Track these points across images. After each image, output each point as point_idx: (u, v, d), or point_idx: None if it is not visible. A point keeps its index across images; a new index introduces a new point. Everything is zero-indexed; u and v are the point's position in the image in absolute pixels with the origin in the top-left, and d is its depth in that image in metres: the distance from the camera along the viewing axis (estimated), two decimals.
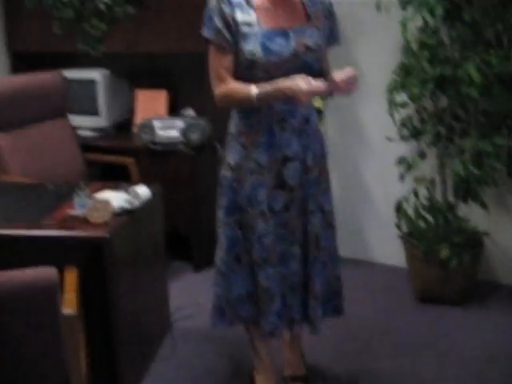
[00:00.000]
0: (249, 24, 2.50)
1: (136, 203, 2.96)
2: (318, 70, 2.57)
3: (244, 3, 2.52)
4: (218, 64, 2.54)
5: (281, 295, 2.70)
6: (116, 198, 2.91)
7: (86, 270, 2.73)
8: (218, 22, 2.49)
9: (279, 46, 2.49)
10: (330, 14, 2.66)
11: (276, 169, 2.60)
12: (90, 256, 2.78)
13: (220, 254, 2.75)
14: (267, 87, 2.44)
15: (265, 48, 2.48)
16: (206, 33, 2.54)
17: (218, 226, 2.76)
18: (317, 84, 2.38)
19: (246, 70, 2.52)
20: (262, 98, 2.46)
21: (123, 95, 4.71)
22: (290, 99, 2.43)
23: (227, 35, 2.50)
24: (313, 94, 2.42)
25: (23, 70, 4.63)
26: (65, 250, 2.78)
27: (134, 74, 4.77)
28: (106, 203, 2.83)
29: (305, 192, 2.65)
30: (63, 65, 4.60)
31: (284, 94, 2.42)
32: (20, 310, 2.11)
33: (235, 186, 2.66)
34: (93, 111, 4.59)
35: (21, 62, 4.95)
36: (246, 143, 2.62)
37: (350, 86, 2.51)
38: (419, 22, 3.56)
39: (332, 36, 2.68)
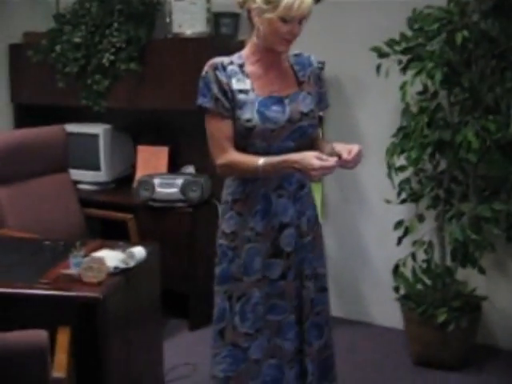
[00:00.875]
0: (245, 92, 2.50)
1: (131, 263, 2.94)
2: (312, 136, 2.59)
3: (238, 71, 2.52)
4: (219, 133, 2.51)
5: (276, 366, 2.65)
6: (111, 258, 2.90)
7: (79, 329, 2.70)
8: (216, 91, 2.48)
9: (275, 113, 2.50)
10: (319, 79, 2.67)
11: (272, 236, 2.58)
12: (83, 316, 2.76)
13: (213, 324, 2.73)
14: (274, 159, 2.43)
15: (262, 116, 2.48)
16: (203, 102, 2.51)
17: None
18: (329, 162, 2.36)
19: (243, 138, 2.51)
20: (268, 170, 2.44)
21: (125, 150, 4.74)
22: (300, 173, 2.43)
23: (226, 103, 2.48)
24: (325, 171, 2.39)
25: (26, 123, 4.69)
26: (58, 310, 2.76)
27: (136, 129, 4.82)
28: (101, 263, 2.82)
29: (301, 257, 2.64)
30: (66, 118, 4.65)
31: (293, 168, 2.41)
32: (9, 374, 2.09)
33: (230, 254, 2.62)
34: (94, 166, 4.63)
35: (24, 115, 5.02)
36: (242, 211, 2.60)
37: (356, 162, 2.46)
38: (418, 87, 3.59)
39: (322, 101, 2.69)
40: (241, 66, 2.54)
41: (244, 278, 2.59)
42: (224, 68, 2.50)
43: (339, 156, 2.41)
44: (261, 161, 2.43)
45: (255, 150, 2.50)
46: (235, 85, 2.50)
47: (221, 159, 2.52)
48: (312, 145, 2.59)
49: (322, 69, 2.72)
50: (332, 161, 2.36)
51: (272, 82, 2.55)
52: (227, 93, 2.49)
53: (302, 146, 2.53)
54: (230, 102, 2.49)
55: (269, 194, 2.56)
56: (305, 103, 2.56)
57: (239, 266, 2.60)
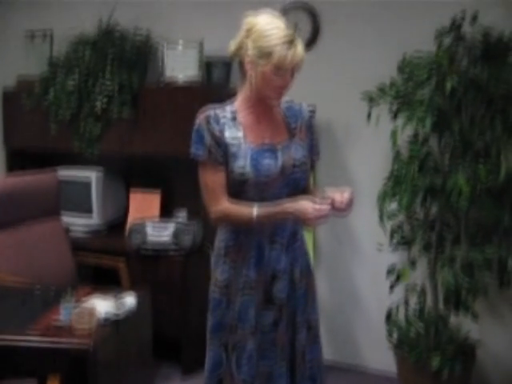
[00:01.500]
0: (237, 142, 2.51)
1: (122, 312, 2.94)
2: (305, 185, 2.60)
3: (231, 121, 2.54)
4: (212, 183, 2.52)
5: None
6: (102, 306, 2.90)
7: (70, 378, 2.69)
8: (209, 142, 2.49)
9: (268, 163, 2.50)
10: (310, 128, 2.68)
11: (264, 285, 2.57)
12: (74, 365, 2.74)
13: (205, 373, 2.68)
14: (269, 208, 2.45)
15: (254, 166, 2.49)
16: (196, 152, 2.52)
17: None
18: (323, 207, 2.38)
19: (236, 187, 2.51)
20: (262, 220, 2.46)
21: (117, 195, 4.74)
22: (297, 220, 2.45)
23: (219, 154, 2.49)
24: (320, 218, 2.40)
25: (18, 167, 4.70)
26: (48, 359, 2.76)
27: (129, 173, 4.83)
28: (92, 312, 2.81)
29: (293, 306, 2.62)
30: (58, 163, 4.66)
31: (290, 215, 2.43)
32: None
33: (224, 304, 2.61)
34: (86, 210, 4.62)
35: (17, 159, 5.02)
36: (235, 259, 2.58)
37: (348, 206, 2.48)
38: (409, 132, 3.61)
39: (313, 149, 2.69)
40: (233, 115, 2.56)
41: (238, 328, 2.58)
42: (217, 119, 2.52)
43: (332, 200, 2.43)
44: (255, 211, 2.44)
45: (248, 198, 2.51)
46: (228, 135, 2.51)
47: (215, 209, 2.52)
48: (304, 191, 2.59)
49: (312, 117, 2.72)
50: (326, 206, 2.39)
51: (264, 130, 2.56)
52: (220, 144, 2.50)
53: (296, 194, 2.54)
54: (223, 153, 2.50)
55: (262, 244, 2.56)
56: (297, 154, 2.57)
57: (233, 316, 2.58)
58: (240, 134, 2.53)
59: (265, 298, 2.58)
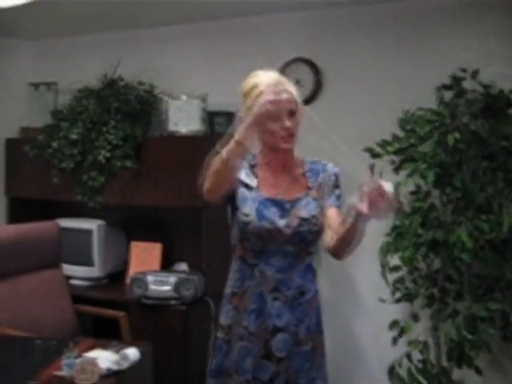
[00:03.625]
0: (249, 187, 2.56)
1: (124, 365, 2.91)
2: (312, 241, 2.57)
3: (248, 169, 2.58)
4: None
5: None
6: (104, 359, 2.87)
7: None
8: None
9: (273, 214, 2.52)
10: (335, 184, 2.65)
11: (264, 338, 2.54)
12: None
13: None
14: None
15: (259, 213, 2.51)
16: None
17: None
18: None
19: (241, 233, 2.54)
20: (234, 148, 2.32)
21: (118, 246, 4.74)
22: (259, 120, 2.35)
23: None
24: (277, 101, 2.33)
25: (21, 216, 4.70)
26: None
27: (130, 225, 4.83)
28: (94, 365, 2.79)
29: (295, 365, 2.56)
30: (60, 213, 4.68)
31: (252, 117, 2.32)
32: None
33: (224, 348, 2.61)
34: (87, 261, 4.61)
35: (18, 208, 5.03)
36: (238, 306, 2.59)
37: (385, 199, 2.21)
38: (411, 186, 3.63)
39: (337, 201, 2.63)
40: (251, 164, 2.60)
41: (234, 375, 2.56)
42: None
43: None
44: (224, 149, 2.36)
45: (252, 247, 2.53)
46: (243, 177, 2.55)
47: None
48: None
49: (337, 174, 2.69)
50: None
51: (279, 184, 2.58)
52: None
53: (303, 250, 2.54)
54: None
55: (264, 295, 2.54)
56: (307, 209, 2.56)
57: (231, 362, 2.58)
58: (254, 182, 2.56)
59: (264, 351, 2.54)
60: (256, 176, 2.58)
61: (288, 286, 2.55)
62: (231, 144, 2.33)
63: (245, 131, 2.32)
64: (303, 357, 2.58)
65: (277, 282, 2.54)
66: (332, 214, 2.58)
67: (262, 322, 2.54)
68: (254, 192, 2.55)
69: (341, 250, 2.50)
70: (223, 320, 2.64)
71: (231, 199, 2.55)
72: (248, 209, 2.52)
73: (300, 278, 2.56)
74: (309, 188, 2.61)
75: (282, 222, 2.52)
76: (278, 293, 2.54)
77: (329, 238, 2.53)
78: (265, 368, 2.55)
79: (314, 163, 2.67)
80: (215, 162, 2.38)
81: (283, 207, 2.54)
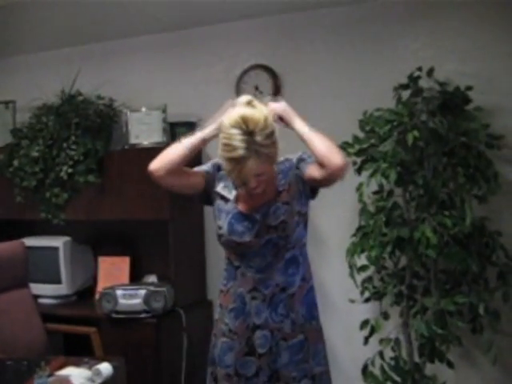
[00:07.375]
0: (226, 200, 2.62)
1: (98, 381, 2.90)
2: (283, 245, 2.57)
3: (230, 181, 2.59)
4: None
5: None
6: (77, 377, 2.86)
7: None
8: (210, 169, 2.68)
9: (244, 228, 2.56)
10: (299, 177, 2.62)
11: (246, 336, 2.60)
12: None
13: None
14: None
15: (230, 227, 2.58)
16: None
17: None
18: None
19: (218, 241, 2.64)
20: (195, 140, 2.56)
21: (85, 262, 4.71)
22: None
23: (210, 174, 2.66)
24: None
25: None
26: None
27: (97, 240, 4.81)
28: (67, 383, 2.78)
29: (283, 360, 2.59)
30: (25, 232, 4.63)
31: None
32: None
33: (213, 340, 2.73)
34: (55, 279, 4.57)
35: None
36: (222, 303, 2.69)
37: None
38: (374, 186, 3.66)
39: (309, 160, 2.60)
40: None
41: (218, 368, 2.67)
42: (219, 168, 2.64)
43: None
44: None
45: (233, 251, 2.63)
46: (219, 189, 2.64)
47: None
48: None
49: (302, 160, 2.64)
50: None
51: (254, 198, 2.57)
52: (213, 183, 2.66)
53: (279, 251, 2.57)
54: (210, 186, 2.65)
55: (243, 295, 2.61)
56: (275, 216, 2.56)
57: (216, 356, 2.68)
58: (231, 196, 2.62)
59: (247, 348, 2.61)
60: (236, 188, 2.61)
61: (266, 284, 2.58)
62: (195, 136, 2.56)
63: (212, 131, 2.52)
64: (292, 350, 2.61)
65: (256, 282, 2.59)
66: (312, 169, 2.55)
67: (243, 321, 2.61)
68: (229, 204, 2.62)
69: (323, 161, 2.45)
70: (216, 313, 2.77)
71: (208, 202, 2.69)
72: (222, 221, 2.61)
73: (280, 274, 2.59)
74: (279, 192, 2.60)
75: (251, 235, 2.56)
76: (256, 292, 2.59)
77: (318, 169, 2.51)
78: (249, 363, 2.61)
79: (282, 163, 2.64)
80: (172, 146, 2.58)
81: (254, 219, 2.57)
